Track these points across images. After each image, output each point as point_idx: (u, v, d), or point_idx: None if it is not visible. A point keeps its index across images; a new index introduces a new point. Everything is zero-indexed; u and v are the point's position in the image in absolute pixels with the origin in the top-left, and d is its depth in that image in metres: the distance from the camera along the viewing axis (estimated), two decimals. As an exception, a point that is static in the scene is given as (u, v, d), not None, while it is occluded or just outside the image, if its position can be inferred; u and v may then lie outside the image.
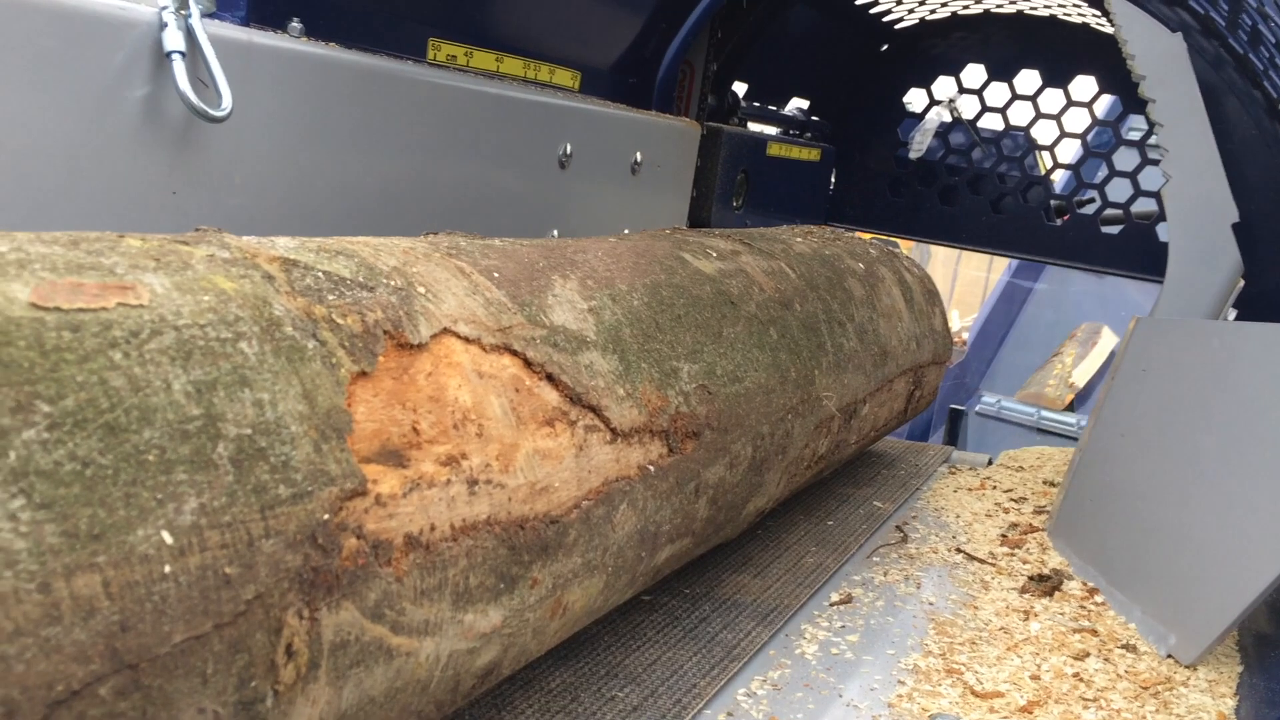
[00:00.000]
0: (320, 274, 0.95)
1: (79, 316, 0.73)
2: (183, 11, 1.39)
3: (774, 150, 3.59)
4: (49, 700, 0.62)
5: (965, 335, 7.31)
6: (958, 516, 2.17)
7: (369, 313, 0.94)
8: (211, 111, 1.39)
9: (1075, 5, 3.61)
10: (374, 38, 1.89)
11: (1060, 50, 3.88)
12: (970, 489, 2.38)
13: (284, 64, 1.60)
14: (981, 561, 1.92)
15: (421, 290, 1.03)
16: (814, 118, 4.10)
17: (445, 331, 1.02)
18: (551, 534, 1.08)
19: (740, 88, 3.49)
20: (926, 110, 4.14)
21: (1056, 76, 3.88)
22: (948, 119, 4.16)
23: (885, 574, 1.84)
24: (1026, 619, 1.68)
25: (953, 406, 4.40)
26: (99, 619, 0.65)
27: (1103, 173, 3.93)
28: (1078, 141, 3.93)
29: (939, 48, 4.13)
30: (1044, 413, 5.26)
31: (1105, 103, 3.99)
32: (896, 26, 4.04)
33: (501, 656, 1.08)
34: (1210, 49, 2.64)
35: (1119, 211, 3.84)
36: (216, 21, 1.54)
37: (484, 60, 2.24)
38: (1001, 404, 5.45)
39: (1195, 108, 2.07)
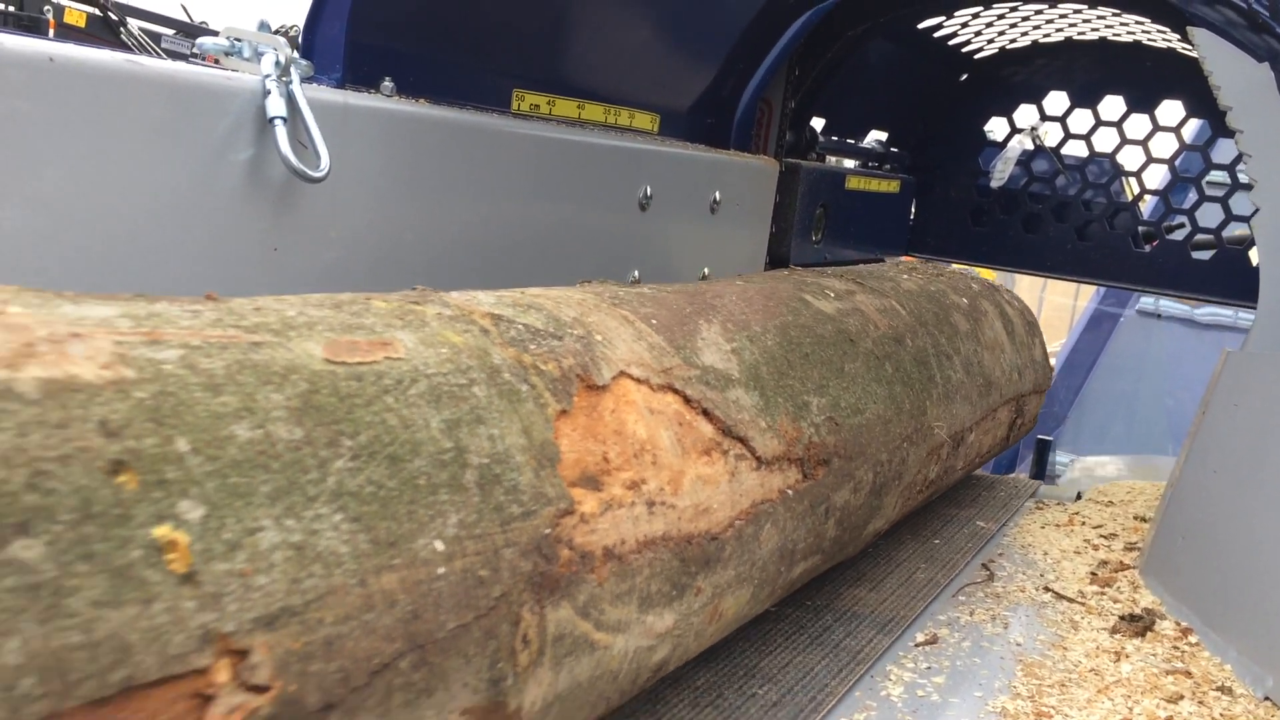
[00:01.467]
0: (521, 326, 1.13)
1: (359, 369, 0.91)
2: (284, 78, 1.47)
3: (853, 183, 3.59)
4: (369, 670, 0.80)
5: (1052, 363, 7.20)
6: (1045, 554, 2.15)
7: (563, 359, 1.13)
8: (311, 173, 1.46)
9: (1160, 31, 3.57)
10: (461, 92, 1.96)
11: (1145, 75, 3.82)
12: (1058, 525, 2.35)
13: (377, 123, 1.68)
14: (1070, 600, 1.89)
15: (599, 338, 1.21)
16: (893, 149, 4.10)
17: (622, 374, 1.19)
18: (712, 549, 1.25)
19: (818, 122, 3.52)
20: (1008, 138, 4.10)
21: (1142, 102, 3.82)
22: (1030, 146, 4.12)
23: (971, 613, 1.83)
24: (1118, 660, 1.65)
25: (1040, 437, 4.31)
26: (398, 609, 0.83)
27: (1192, 197, 3.86)
28: (1165, 167, 3.86)
29: (1020, 75, 4.10)
30: None
31: (1193, 126, 3.92)
32: (976, 56, 4.02)
33: (670, 654, 1.25)
34: (1262, 45, 2.59)
35: (1210, 236, 3.76)
36: (314, 85, 1.62)
37: (566, 108, 2.30)
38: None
39: None
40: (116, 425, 0.70)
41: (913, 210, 4.23)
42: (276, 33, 1.57)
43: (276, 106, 1.43)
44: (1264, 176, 2.03)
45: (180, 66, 1.38)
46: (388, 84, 1.77)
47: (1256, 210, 2.05)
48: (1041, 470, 4.45)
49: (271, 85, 1.44)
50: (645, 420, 1.18)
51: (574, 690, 1.05)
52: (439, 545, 0.88)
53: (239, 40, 1.49)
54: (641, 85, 2.58)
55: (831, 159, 3.73)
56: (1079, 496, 2.64)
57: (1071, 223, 3.97)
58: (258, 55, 1.47)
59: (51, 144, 1.24)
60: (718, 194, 2.70)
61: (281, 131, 1.43)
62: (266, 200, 1.49)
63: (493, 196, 1.99)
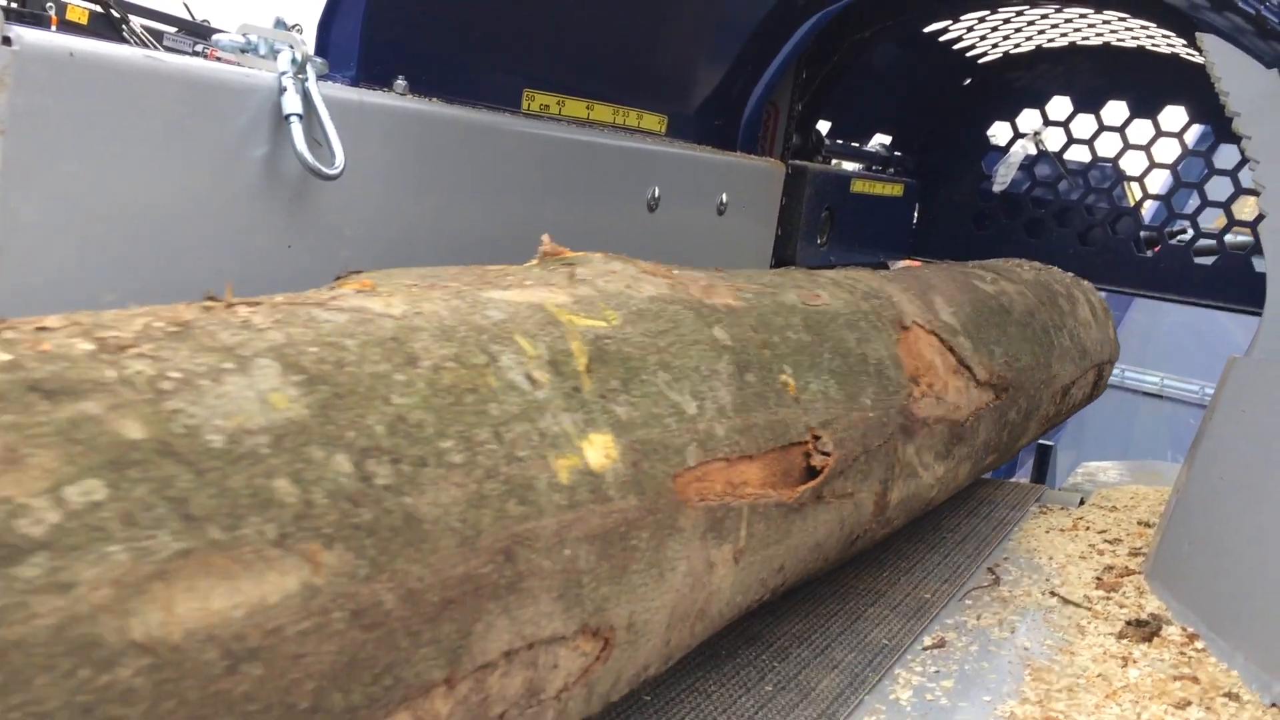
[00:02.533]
0: (864, 289, 1.84)
1: (816, 307, 1.64)
2: (300, 76, 1.46)
3: (858, 187, 3.60)
4: (851, 458, 1.54)
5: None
6: (1050, 558, 2.15)
7: (887, 310, 1.83)
8: (325, 170, 1.46)
9: (1165, 36, 3.57)
10: (473, 91, 1.96)
11: (1148, 81, 3.82)
12: (1063, 530, 2.35)
13: (391, 121, 1.68)
14: (1077, 605, 1.90)
15: (895, 300, 1.89)
16: (897, 153, 4.10)
17: (914, 323, 1.88)
18: (960, 431, 1.96)
19: (824, 125, 3.52)
20: (1011, 143, 4.11)
21: (1145, 107, 3.82)
22: (1033, 151, 4.13)
23: (978, 618, 1.83)
24: (1125, 665, 1.66)
25: (1040, 442, 4.32)
26: (859, 429, 1.56)
27: (1195, 202, 3.86)
28: (1168, 172, 3.86)
29: (1023, 80, 4.10)
30: None
31: (1195, 132, 3.92)
32: (980, 61, 4.02)
33: (936, 496, 2.01)
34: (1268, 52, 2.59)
35: (1213, 242, 3.77)
36: (329, 83, 1.62)
37: (575, 108, 2.30)
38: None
39: None
40: (755, 326, 1.45)
41: (916, 213, 4.25)
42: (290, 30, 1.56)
43: (292, 103, 1.43)
44: (1271, 182, 2.04)
45: (197, 63, 1.38)
46: (401, 82, 1.76)
47: (1262, 216, 2.06)
48: (1042, 474, 4.46)
49: (287, 82, 1.44)
50: (927, 349, 1.86)
51: (906, 500, 1.79)
52: (867, 401, 1.58)
53: (255, 37, 1.49)
54: (650, 86, 2.58)
55: (837, 162, 3.74)
56: (1082, 501, 2.65)
57: (1074, 227, 3.98)
58: (274, 52, 1.47)
59: (70, 139, 1.24)
60: (725, 196, 2.70)
61: (297, 128, 1.43)
62: (282, 197, 1.49)
63: (503, 195, 1.99)
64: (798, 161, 3.18)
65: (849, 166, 3.82)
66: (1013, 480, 3.00)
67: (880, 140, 4.04)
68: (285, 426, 0.75)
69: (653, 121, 2.59)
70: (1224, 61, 2.25)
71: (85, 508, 0.62)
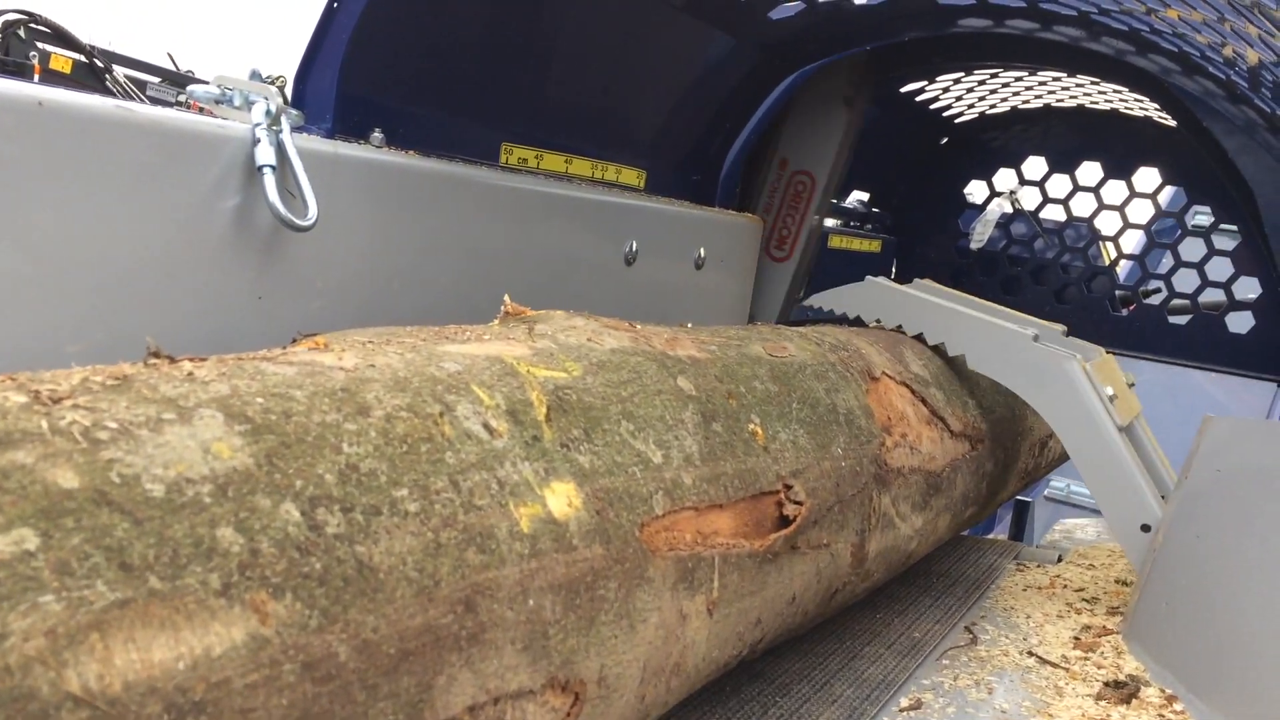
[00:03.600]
0: (830, 343, 1.84)
1: (782, 359, 1.64)
2: (274, 127, 1.47)
3: (835, 242, 3.63)
4: (825, 508, 1.54)
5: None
6: (1028, 617, 2.13)
7: (856, 362, 1.83)
8: (298, 221, 1.45)
9: (1137, 100, 3.64)
10: (450, 145, 1.96)
11: (1122, 143, 3.88)
12: (1040, 588, 2.33)
13: (366, 173, 1.68)
14: (1054, 665, 1.87)
15: (864, 352, 1.89)
16: (874, 210, 4.14)
17: (884, 373, 1.88)
18: (937, 482, 1.95)
19: (802, 183, 3.55)
20: (987, 202, 4.16)
21: (1119, 168, 3.88)
22: (1009, 210, 4.17)
23: (955, 678, 1.81)
24: (1103, 727, 1.63)
25: (1018, 498, 4.31)
26: (831, 479, 1.55)
27: (1168, 263, 3.91)
28: (1142, 232, 3.91)
29: (999, 140, 4.16)
30: None
31: (1169, 193, 3.98)
32: (957, 121, 4.09)
33: (917, 548, 1.98)
34: (1276, 145, 2.64)
35: (1186, 302, 3.80)
36: (304, 135, 1.62)
37: (553, 162, 2.31)
38: (1070, 488, 5.34)
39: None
40: (719, 376, 1.44)
41: (894, 270, 4.28)
42: (267, 82, 1.57)
43: (266, 155, 1.43)
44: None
45: (170, 113, 1.38)
46: (377, 135, 1.77)
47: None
48: (1020, 530, 4.44)
49: (261, 134, 1.44)
50: (899, 399, 1.86)
51: (885, 551, 1.76)
52: (839, 450, 1.58)
53: (230, 89, 1.49)
54: (628, 142, 2.60)
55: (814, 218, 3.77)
56: (1060, 559, 2.63)
57: (1050, 285, 4.01)
58: (248, 104, 1.47)
59: (39, 188, 1.23)
60: (702, 250, 2.71)
61: (270, 180, 1.43)
62: (253, 249, 1.48)
63: (481, 248, 1.99)
64: (776, 218, 3.20)
65: (828, 222, 3.85)
66: (989, 537, 2.98)
67: (858, 197, 4.08)
68: (229, 476, 0.74)
69: (631, 176, 2.61)
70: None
71: (16, 557, 0.60)
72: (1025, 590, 2.32)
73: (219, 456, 0.76)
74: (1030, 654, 1.93)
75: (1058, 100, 3.87)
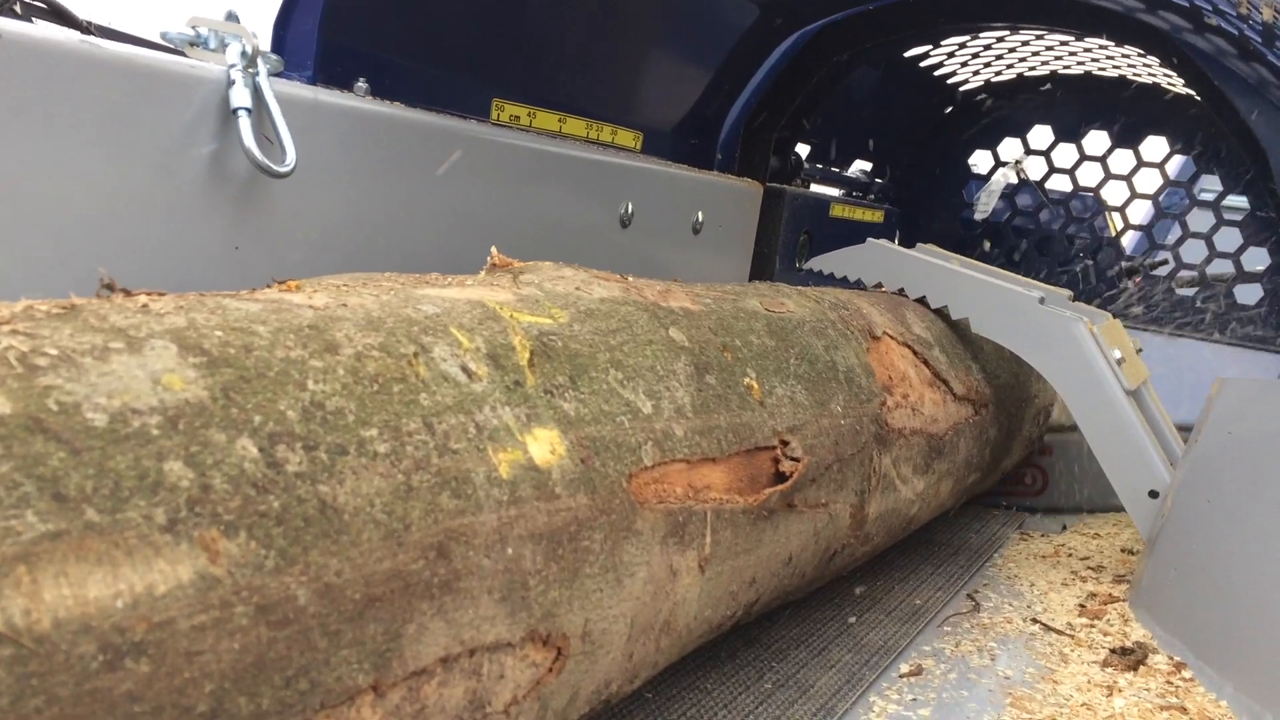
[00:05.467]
0: (831, 300, 1.78)
1: (780, 314, 1.57)
2: (250, 69, 1.41)
3: (837, 211, 3.56)
4: (826, 464, 1.48)
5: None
6: (1032, 585, 2.08)
7: (856, 320, 1.77)
8: (275, 167, 1.40)
9: (1145, 65, 3.57)
10: (438, 98, 1.90)
11: (1129, 111, 3.80)
12: (1044, 556, 2.28)
13: (348, 122, 1.62)
14: (1059, 633, 1.83)
15: (865, 311, 1.83)
16: (878, 180, 4.07)
17: (885, 333, 1.82)
18: (940, 445, 1.89)
19: (803, 149, 3.48)
20: (992, 172, 4.09)
21: (1126, 137, 3.80)
22: (1014, 180, 4.10)
23: (957, 645, 1.76)
24: (1110, 695, 1.58)
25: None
26: (830, 436, 1.49)
27: (1176, 234, 3.84)
28: (1149, 202, 3.84)
29: (1005, 109, 4.09)
30: None
31: (1177, 163, 3.90)
32: (961, 89, 4.01)
33: (918, 513, 1.92)
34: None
35: (1194, 273, 3.74)
36: (284, 80, 1.56)
37: (547, 121, 2.25)
38: None
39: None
40: (713, 329, 1.39)
41: (897, 241, 4.21)
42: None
43: (241, 97, 1.37)
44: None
45: (140, 51, 1.32)
46: (362, 84, 1.71)
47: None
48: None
49: (236, 75, 1.38)
50: (901, 360, 1.80)
51: (885, 514, 1.70)
52: (838, 408, 1.51)
53: (205, 30, 1.43)
54: (625, 103, 2.53)
55: (817, 187, 3.70)
56: (1064, 528, 2.58)
57: (1055, 257, 3.95)
58: (223, 45, 1.41)
59: (-2, 125, 1.18)
60: (701, 215, 2.65)
61: (245, 123, 1.37)
62: (229, 196, 1.42)
63: (469, 205, 1.93)
64: (775, 184, 3.14)
65: (833, 192, 3.78)
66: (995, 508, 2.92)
67: (861, 166, 4.01)
68: (180, 408, 0.69)
69: (627, 138, 2.55)
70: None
71: (-70, 478, 0.55)
72: (1029, 558, 2.27)
73: (170, 388, 0.70)
74: (1034, 621, 1.88)
75: (1064, 67, 3.79)
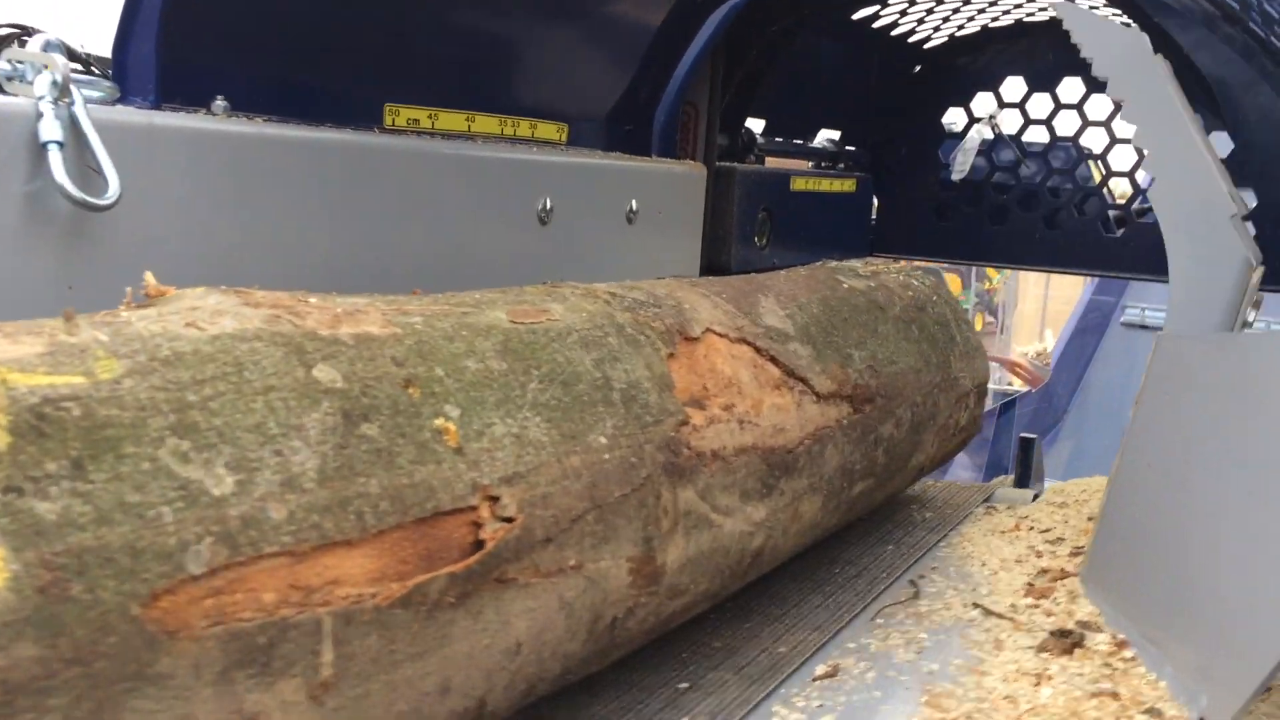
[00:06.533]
0: (631, 299, 1.51)
1: (533, 326, 1.30)
2: (65, 99, 1.34)
3: (799, 185, 3.45)
4: (570, 518, 1.17)
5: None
6: (983, 564, 1.98)
7: (665, 319, 1.50)
8: (94, 200, 1.33)
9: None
10: (315, 109, 1.83)
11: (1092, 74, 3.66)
12: (1004, 531, 2.18)
13: (196, 144, 1.55)
14: (1000, 616, 1.73)
15: (687, 306, 1.58)
16: (848, 148, 3.95)
17: (708, 330, 1.56)
18: (789, 459, 1.62)
19: (757, 124, 3.38)
20: (967, 129, 3.95)
21: (1101, 81, 3.66)
22: (990, 136, 3.97)
23: (886, 639, 1.67)
24: (1038, 684, 1.49)
25: (1023, 435, 4.12)
26: (583, 480, 1.20)
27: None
28: (1130, 146, 3.69)
29: (975, 64, 3.94)
30: None
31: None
32: (925, 47, 3.88)
33: (765, 543, 1.61)
34: (1238, 38, 2.44)
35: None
36: (118, 108, 1.50)
37: (452, 122, 2.18)
38: (1146, 312, 5.06)
39: (1169, 102, 1.89)
40: (401, 359, 1.09)
41: (875, 209, 4.09)
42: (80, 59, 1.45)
43: (50, 130, 1.31)
44: (1153, 146, 1.89)
45: (-67, 92, 1.26)
46: (220, 103, 1.64)
47: (1151, 182, 1.91)
48: (1026, 473, 4.26)
49: (45, 108, 1.32)
50: (729, 362, 1.55)
51: (699, 557, 1.43)
52: (603, 439, 1.25)
53: (21, 63, 1.37)
54: (543, 95, 2.45)
55: (779, 162, 3.59)
56: (1036, 497, 2.48)
57: (1039, 211, 3.81)
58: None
59: None
60: (634, 203, 2.57)
61: (56, 157, 1.31)
62: (54, 234, 1.36)
63: (358, 220, 1.86)
64: (725, 163, 3.04)
65: (799, 165, 3.68)
66: (966, 483, 2.82)
67: (828, 136, 3.89)
68: None
69: (550, 131, 2.46)
70: (1082, 27, 2.12)
71: None
72: (987, 535, 2.17)
73: None
74: (976, 605, 1.79)
75: (1028, 14, 3.65)
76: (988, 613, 1.75)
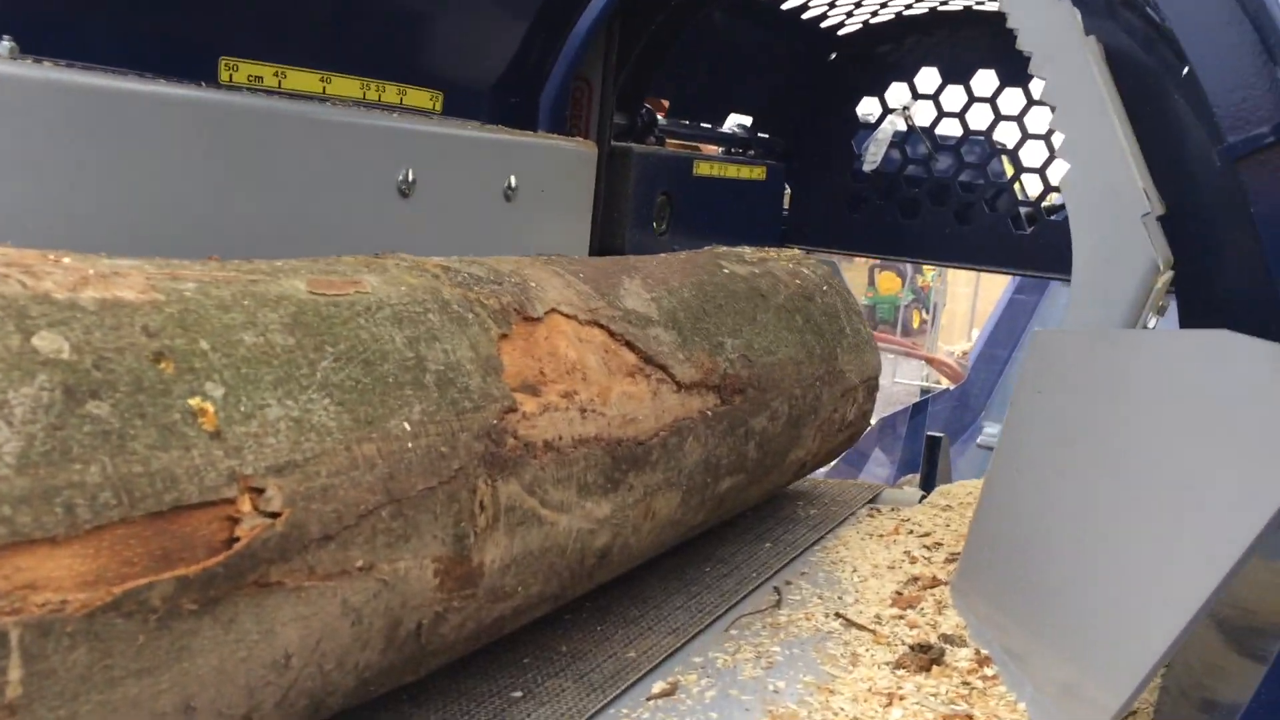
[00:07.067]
0: (466, 274, 1.37)
1: (336, 298, 1.15)
2: None
3: (703, 169, 3.32)
4: (358, 514, 1.04)
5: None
6: (854, 570, 1.87)
7: (502, 297, 1.37)
8: None
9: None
10: (129, 56, 1.65)
11: (1015, 46, 3.58)
12: (882, 535, 2.07)
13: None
14: (861, 628, 1.61)
15: (533, 284, 1.45)
16: (761, 135, 3.83)
17: (553, 310, 1.43)
18: (640, 452, 1.49)
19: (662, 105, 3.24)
20: (880, 120, 3.86)
21: (1014, 75, 3.59)
22: (903, 127, 3.88)
23: (736, 651, 1.54)
24: (889, 704, 1.37)
25: (930, 435, 4.04)
26: (377, 470, 1.07)
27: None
28: (1042, 143, 3.63)
29: (890, 53, 3.85)
30: None
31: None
32: (840, 33, 3.77)
33: (612, 542, 1.48)
34: (1139, 26, 2.35)
35: (1091, 216, 3.53)
36: None
37: (304, 82, 2.01)
38: None
39: (1092, 84, 1.77)
40: (155, 329, 0.95)
41: (788, 199, 3.98)
42: None
43: None
44: (1070, 130, 1.78)
45: None
46: (5, 43, 1.46)
47: (1067, 168, 1.79)
48: (932, 473, 4.18)
49: None
50: (575, 346, 1.43)
51: (527, 556, 1.29)
52: (407, 426, 1.12)
53: None
54: (414, 58, 2.29)
55: (686, 145, 3.47)
56: (923, 498, 2.38)
57: (950, 206, 3.73)
58: None
59: None
60: (513, 179, 2.41)
61: None
62: None
63: (181, 184, 1.69)
64: (620, 143, 2.90)
65: (707, 150, 3.55)
66: (856, 481, 2.72)
67: (739, 121, 3.77)
68: None
69: (422, 98, 2.30)
70: None
71: None
72: (865, 538, 2.06)
73: None
74: (838, 616, 1.67)
75: (943, 3, 3.56)
76: (849, 624, 1.63)
